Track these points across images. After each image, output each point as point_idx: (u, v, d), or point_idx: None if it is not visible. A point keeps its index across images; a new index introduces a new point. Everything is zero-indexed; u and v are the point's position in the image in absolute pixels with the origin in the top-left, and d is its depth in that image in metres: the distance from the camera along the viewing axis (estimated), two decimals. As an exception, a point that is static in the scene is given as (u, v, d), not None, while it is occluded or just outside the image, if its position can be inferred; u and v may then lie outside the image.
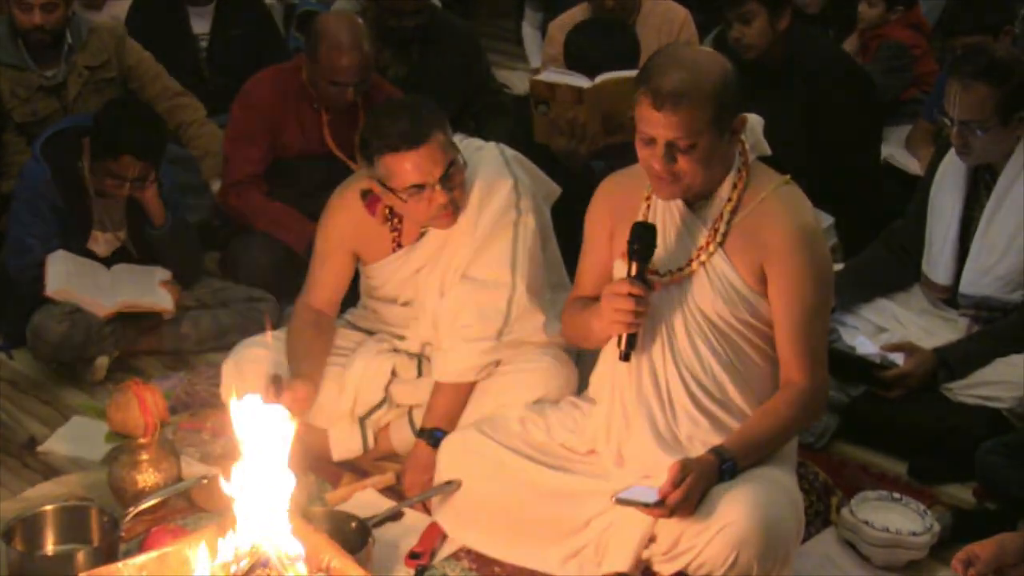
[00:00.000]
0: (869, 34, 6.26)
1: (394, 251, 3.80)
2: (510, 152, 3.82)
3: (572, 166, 4.72)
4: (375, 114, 3.69)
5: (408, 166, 3.54)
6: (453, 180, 3.59)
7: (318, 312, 3.87)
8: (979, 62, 3.92)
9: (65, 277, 4.43)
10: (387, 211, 3.75)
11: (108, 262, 4.62)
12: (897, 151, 5.75)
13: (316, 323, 3.86)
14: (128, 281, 4.56)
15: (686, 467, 3.11)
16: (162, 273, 4.59)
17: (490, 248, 3.68)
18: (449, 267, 3.73)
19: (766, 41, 4.98)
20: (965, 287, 4.08)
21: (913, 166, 5.54)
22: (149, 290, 4.54)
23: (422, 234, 3.75)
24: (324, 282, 3.89)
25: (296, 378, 3.70)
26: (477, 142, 3.85)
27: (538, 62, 6.96)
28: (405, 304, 3.87)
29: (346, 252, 3.86)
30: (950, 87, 3.97)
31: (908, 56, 6.07)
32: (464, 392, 3.72)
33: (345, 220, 3.82)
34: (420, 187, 3.55)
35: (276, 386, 3.65)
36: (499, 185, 3.70)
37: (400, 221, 3.77)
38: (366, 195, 3.75)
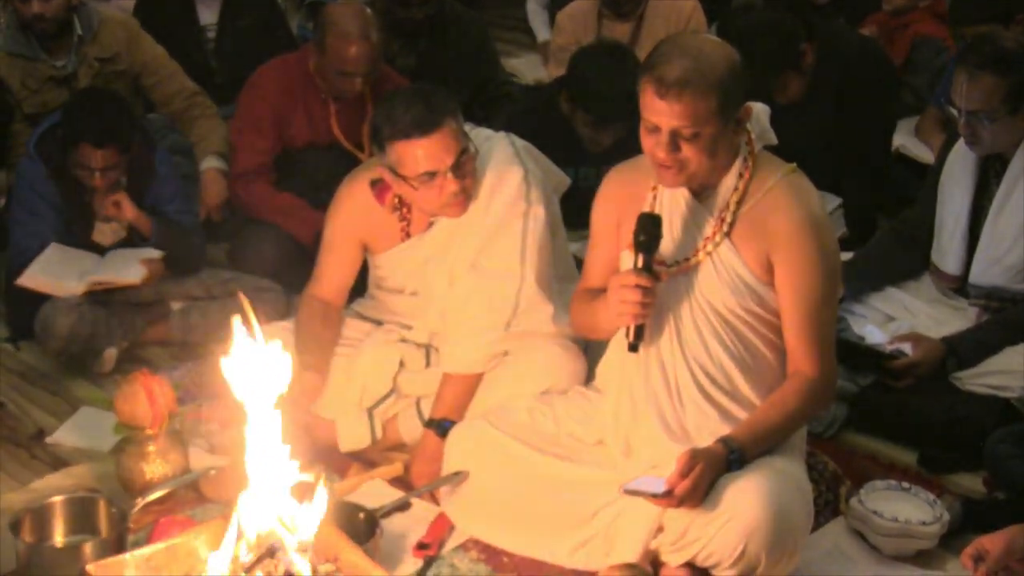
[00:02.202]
0: (894, 22, 6.17)
1: (403, 240, 3.80)
2: (520, 142, 3.81)
3: (596, 150, 4.77)
4: (387, 101, 3.68)
5: (420, 153, 3.53)
6: (464, 168, 3.58)
7: (325, 302, 3.87)
8: (985, 52, 3.90)
9: (41, 267, 4.42)
10: (396, 200, 3.75)
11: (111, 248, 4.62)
12: (909, 140, 5.72)
13: (324, 313, 3.86)
14: (111, 262, 4.55)
15: (695, 457, 3.11)
16: (151, 252, 4.56)
17: (500, 238, 3.68)
18: (458, 257, 3.72)
19: (806, 87, 4.94)
20: (975, 277, 4.07)
21: (926, 155, 5.52)
22: (124, 266, 4.51)
23: (431, 224, 3.75)
24: (332, 272, 3.89)
25: (304, 369, 3.70)
26: (486, 132, 3.84)
27: (546, 35, 7.07)
28: (413, 294, 3.86)
29: (354, 242, 3.85)
30: (957, 77, 3.95)
31: (945, 51, 5.97)
32: (472, 383, 3.72)
33: (354, 209, 3.82)
34: (432, 174, 3.55)
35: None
36: (510, 175, 3.69)
37: (409, 211, 3.76)
38: (375, 184, 3.75)
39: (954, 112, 4.00)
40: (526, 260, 3.67)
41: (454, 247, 3.73)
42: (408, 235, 3.79)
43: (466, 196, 3.63)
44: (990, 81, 3.88)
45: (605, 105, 4.72)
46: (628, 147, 3.46)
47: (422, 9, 5.62)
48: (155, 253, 4.57)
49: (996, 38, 3.99)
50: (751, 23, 4.79)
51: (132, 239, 4.64)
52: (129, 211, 4.51)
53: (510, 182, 3.68)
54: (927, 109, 5.76)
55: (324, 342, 3.84)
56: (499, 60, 6.23)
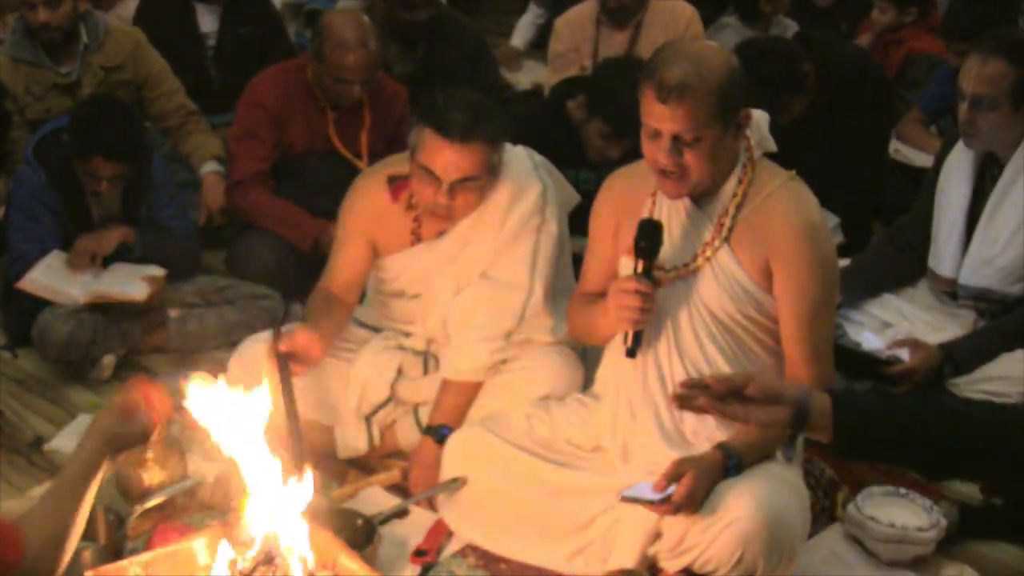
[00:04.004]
0: (888, 36, 6.17)
1: (412, 244, 3.79)
2: (538, 157, 3.81)
3: (600, 161, 4.76)
4: (455, 89, 3.68)
5: (434, 150, 3.52)
6: (462, 192, 3.57)
7: (334, 295, 3.81)
8: (1003, 39, 3.92)
9: (42, 272, 4.43)
10: (410, 199, 3.74)
11: (113, 258, 4.61)
12: (902, 146, 5.73)
13: (330, 299, 3.79)
14: (113, 275, 4.55)
15: (683, 463, 3.11)
16: (155, 269, 4.59)
17: (513, 250, 3.68)
18: (468, 265, 3.72)
19: (808, 102, 4.96)
20: (965, 278, 4.07)
21: (919, 160, 5.53)
22: (127, 283, 4.53)
23: (442, 232, 3.74)
24: (340, 267, 3.83)
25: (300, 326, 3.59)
26: (505, 144, 3.83)
27: (516, 43, 7.42)
28: (414, 297, 3.85)
29: (364, 239, 3.81)
30: (970, 61, 3.95)
31: (940, 65, 5.95)
32: (472, 390, 3.73)
33: (367, 206, 3.80)
34: (432, 174, 3.55)
35: (275, 332, 3.51)
36: (529, 189, 3.69)
37: (422, 213, 3.74)
38: (392, 181, 3.74)
39: (959, 97, 4.00)
40: (536, 273, 3.68)
41: (465, 255, 3.72)
42: (418, 238, 3.78)
43: (449, 217, 3.63)
44: (1001, 67, 3.89)
45: (626, 118, 4.71)
46: (633, 160, 3.46)
47: (425, 11, 5.63)
48: (158, 271, 4.58)
49: (1015, 31, 3.99)
50: (755, 50, 4.80)
51: (128, 245, 4.65)
52: (108, 246, 4.56)
53: (528, 196, 3.68)
54: (910, 111, 5.77)
55: (329, 315, 3.74)
56: (498, 66, 6.24)
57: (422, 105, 3.63)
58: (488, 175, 3.60)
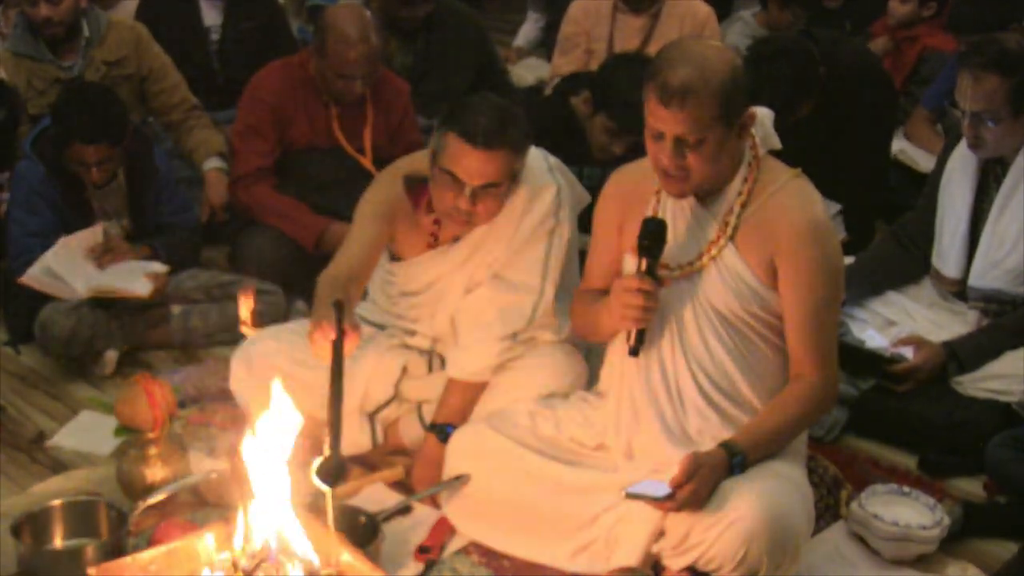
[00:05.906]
0: (902, 34, 6.15)
1: (430, 247, 3.76)
2: (553, 159, 3.78)
3: (603, 158, 4.74)
4: (479, 97, 3.65)
5: (459, 155, 3.48)
6: (484, 198, 3.54)
7: (350, 279, 3.57)
8: (989, 53, 3.91)
9: (45, 267, 4.42)
10: (429, 203, 3.71)
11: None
12: (908, 146, 5.73)
13: (347, 287, 3.52)
14: (116, 271, 4.54)
15: (697, 460, 3.11)
16: (158, 266, 4.58)
17: (526, 252, 3.66)
18: (481, 265, 3.70)
19: (816, 99, 4.96)
20: (974, 280, 4.08)
21: (922, 162, 5.52)
22: (131, 278, 4.51)
23: (457, 238, 3.72)
24: (359, 248, 3.66)
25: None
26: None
27: (519, 43, 7.58)
28: (422, 295, 3.82)
29: (385, 225, 3.72)
30: (961, 79, 3.96)
31: (951, 61, 5.95)
32: (477, 389, 3.71)
33: (396, 195, 3.74)
34: (455, 178, 3.53)
35: (338, 313, 3.27)
36: (544, 191, 3.66)
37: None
38: (409, 182, 3.71)
39: (959, 114, 4.01)
40: (548, 276, 3.66)
41: (478, 256, 3.70)
42: (436, 240, 3.74)
43: (468, 222, 3.61)
44: (994, 81, 3.90)
45: (633, 115, 4.69)
46: (636, 157, 3.45)
47: (424, 7, 5.63)
48: (161, 267, 4.58)
49: (999, 39, 4.00)
50: (773, 48, 4.78)
51: (131, 238, 4.64)
52: (121, 256, 4.56)
53: (544, 198, 3.65)
54: (916, 110, 5.76)
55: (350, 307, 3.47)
56: (498, 53, 6.25)
57: (448, 109, 3.60)
58: (509, 182, 3.58)
